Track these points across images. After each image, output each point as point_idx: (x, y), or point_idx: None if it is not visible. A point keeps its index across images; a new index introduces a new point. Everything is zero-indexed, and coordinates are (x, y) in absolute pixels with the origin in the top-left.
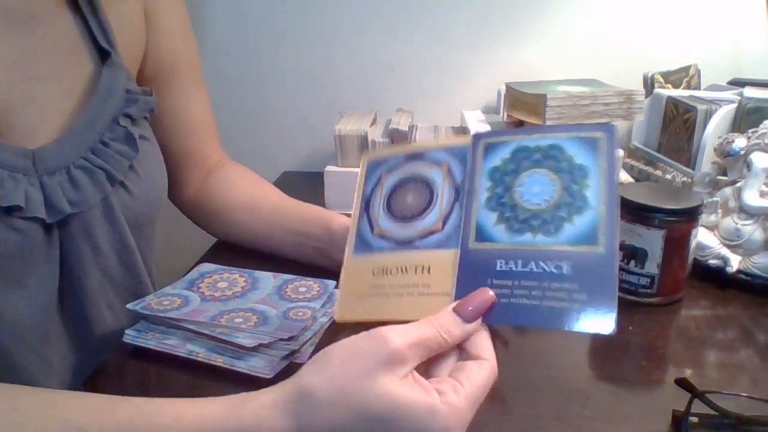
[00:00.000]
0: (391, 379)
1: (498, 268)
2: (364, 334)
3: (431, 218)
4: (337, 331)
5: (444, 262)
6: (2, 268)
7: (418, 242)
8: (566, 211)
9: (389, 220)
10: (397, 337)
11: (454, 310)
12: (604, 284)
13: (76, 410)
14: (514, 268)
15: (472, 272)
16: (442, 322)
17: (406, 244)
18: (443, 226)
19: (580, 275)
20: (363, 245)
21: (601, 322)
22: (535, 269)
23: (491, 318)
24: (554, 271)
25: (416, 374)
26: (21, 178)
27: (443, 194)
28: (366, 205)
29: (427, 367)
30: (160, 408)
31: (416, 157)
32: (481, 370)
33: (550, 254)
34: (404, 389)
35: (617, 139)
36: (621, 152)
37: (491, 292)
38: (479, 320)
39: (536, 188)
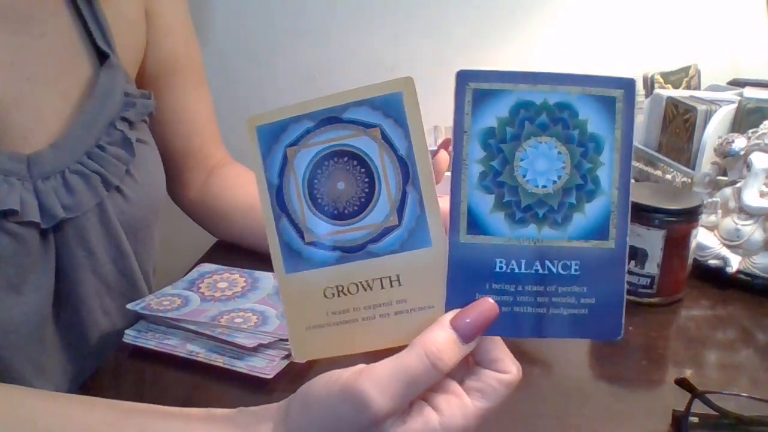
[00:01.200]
0: None
1: (497, 269)
2: (342, 389)
3: (380, 210)
4: None
5: (416, 266)
6: None
7: (372, 246)
8: (576, 196)
9: (321, 219)
10: (379, 396)
11: (452, 325)
12: (612, 285)
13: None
14: (516, 270)
15: (465, 275)
16: (436, 346)
17: (356, 250)
18: (400, 219)
19: (588, 276)
20: (295, 259)
21: (609, 328)
22: (540, 270)
23: (489, 329)
24: (562, 272)
25: (412, 410)
26: (15, 183)
27: (385, 173)
28: (278, 198)
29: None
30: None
31: (329, 119)
32: (498, 384)
33: (558, 252)
34: None
35: (636, 97)
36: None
37: (493, 303)
38: (477, 339)
39: (542, 164)
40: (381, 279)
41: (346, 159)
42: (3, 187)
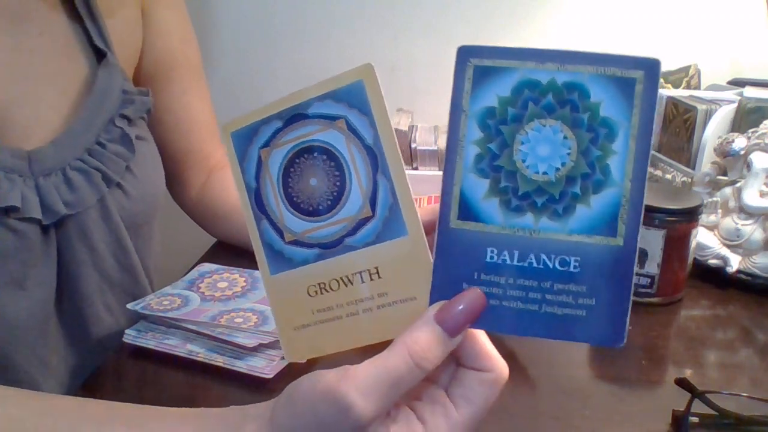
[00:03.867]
0: None
1: (488, 258)
2: (324, 392)
3: (353, 203)
4: None
5: (394, 257)
6: (0, 269)
7: (348, 239)
8: (581, 186)
9: (298, 217)
10: (361, 400)
11: (437, 319)
12: (617, 286)
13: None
14: (508, 261)
15: (453, 263)
16: (419, 345)
17: (334, 245)
18: (374, 210)
19: (589, 275)
20: (278, 260)
21: (610, 333)
22: (535, 264)
23: (475, 323)
24: (559, 267)
25: (392, 411)
26: (17, 179)
27: (355, 164)
28: (257, 200)
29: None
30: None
31: (296, 117)
32: (482, 386)
33: (556, 246)
34: None
35: (659, 79)
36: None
37: (481, 293)
38: (463, 333)
39: (544, 149)
40: (360, 273)
41: (315, 154)
42: (4, 184)
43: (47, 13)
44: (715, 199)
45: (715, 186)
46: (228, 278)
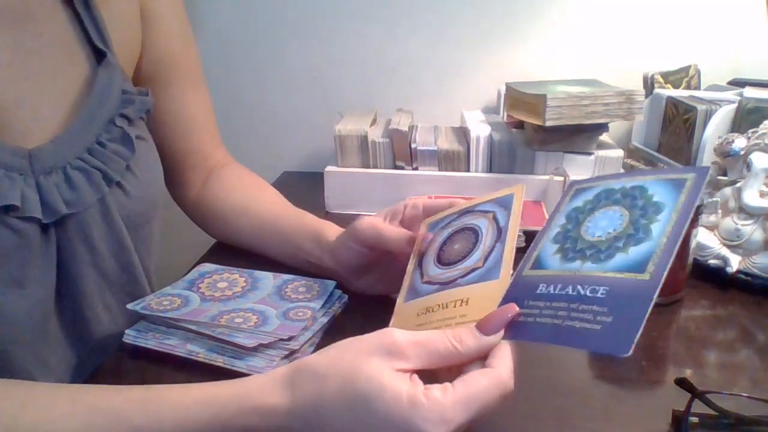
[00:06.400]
0: (384, 365)
1: (538, 291)
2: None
3: (474, 258)
4: (336, 331)
5: (483, 292)
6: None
7: (460, 280)
8: (624, 241)
9: (437, 267)
10: (401, 334)
11: (476, 324)
12: (635, 310)
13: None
14: (552, 291)
15: (514, 295)
16: (456, 332)
17: (449, 283)
18: (484, 263)
19: (613, 299)
20: (412, 293)
21: (618, 344)
22: (570, 292)
23: (510, 333)
24: (588, 294)
25: (416, 377)
26: (17, 178)
27: (486, 237)
28: (420, 260)
29: (442, 376)
30: (168, 387)
31: (467, 212)
32: (482, 376)
33: (591, 279)
34: (393, 378)
35: (706, 181)
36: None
37: (515, 306)
38: (500, 334)
39: (603, 222)
40: (456, 301)
41: (466, 232)
42: (4, 182)
43: (47, 13)
44: (715, 199)
45: (715, 186)
46: (228, 278)
